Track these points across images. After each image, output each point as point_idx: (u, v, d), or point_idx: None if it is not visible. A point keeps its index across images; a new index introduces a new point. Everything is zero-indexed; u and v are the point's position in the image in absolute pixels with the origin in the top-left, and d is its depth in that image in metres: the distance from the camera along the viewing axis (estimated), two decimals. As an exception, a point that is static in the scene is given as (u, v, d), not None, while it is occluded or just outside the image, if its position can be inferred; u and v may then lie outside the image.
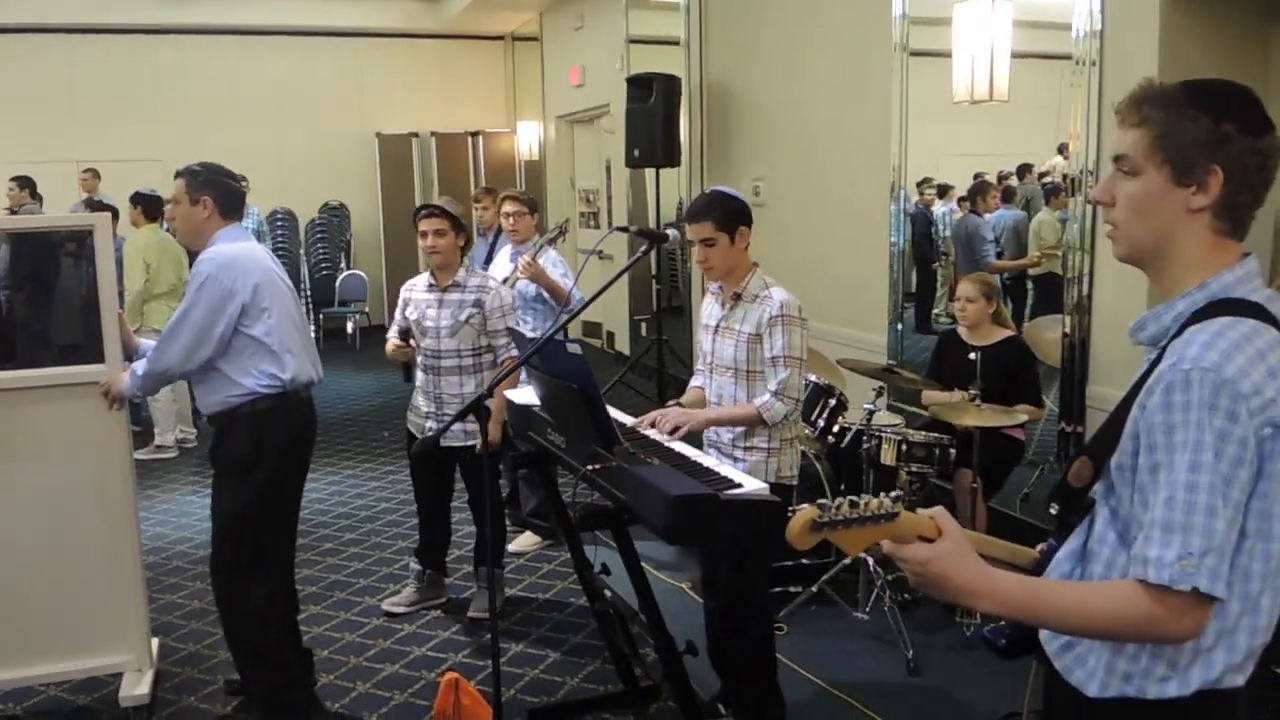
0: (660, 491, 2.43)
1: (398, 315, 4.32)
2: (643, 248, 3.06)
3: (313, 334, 4.50)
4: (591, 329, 11.11)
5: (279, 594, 3.55)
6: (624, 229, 3.68)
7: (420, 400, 4.26)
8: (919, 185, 6.73)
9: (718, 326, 3.26)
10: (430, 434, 2.81)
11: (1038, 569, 1.61)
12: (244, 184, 9.42)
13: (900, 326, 5.91)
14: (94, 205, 7.12)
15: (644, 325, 9.36)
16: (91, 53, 10.93)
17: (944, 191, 6.70)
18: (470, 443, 4.06)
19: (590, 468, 2.73)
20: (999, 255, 6.01)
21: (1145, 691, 1.45)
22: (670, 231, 3.13)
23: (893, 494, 1.36)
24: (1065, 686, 1.53)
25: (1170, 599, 1.34)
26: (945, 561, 1.38)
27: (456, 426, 3.77)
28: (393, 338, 4.24)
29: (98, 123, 10.85)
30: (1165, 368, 1.38)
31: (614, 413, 3.16)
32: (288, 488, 3.54)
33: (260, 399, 3.32)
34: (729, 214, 3.11)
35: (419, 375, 4.27)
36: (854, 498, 1.34)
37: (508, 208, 5.02)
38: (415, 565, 4.50)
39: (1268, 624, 1.45)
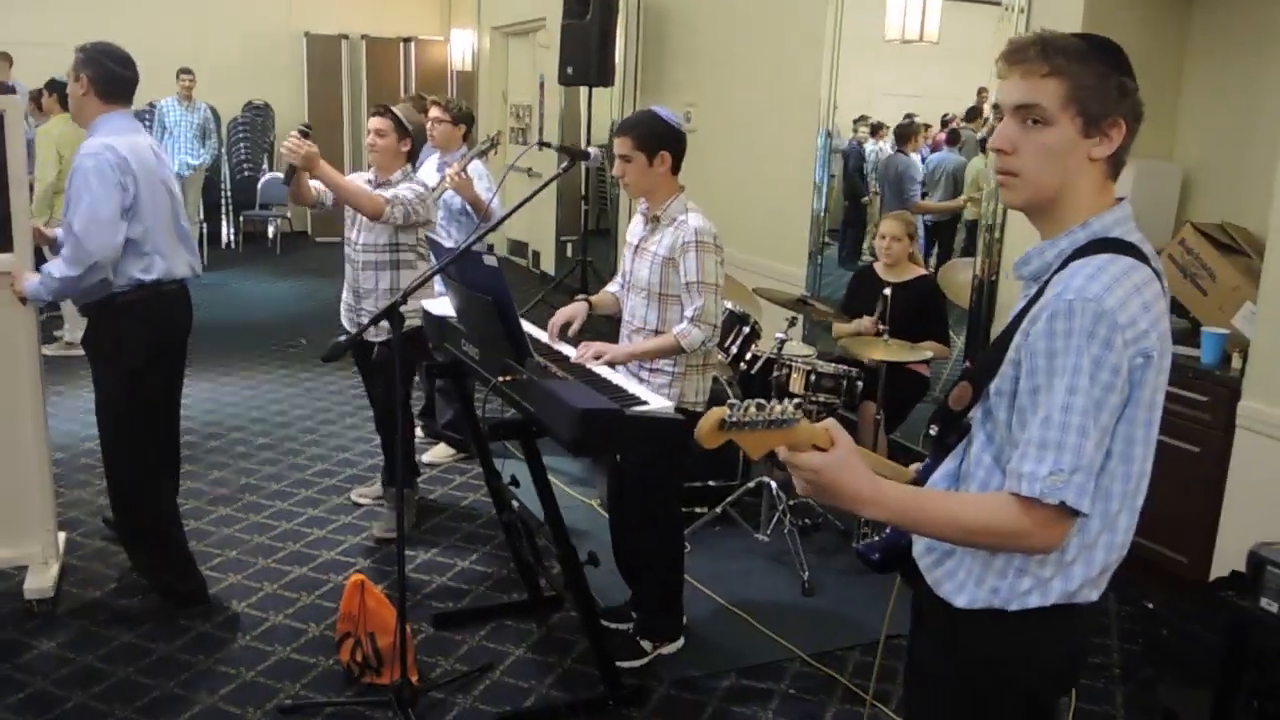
0: (566, 405, 2.49)
1: None
2: (564, 165, 3.07)
3: (195, 228, 4.57)
4: (518, 248, 11.08)
5: (160, 488, 3.66)
6: (545, 144, 3.64)
7: (346, 294, 4.27)
8: (854, 122, 6.81)
9: (637, 246, 3.31)
10: (343, 338, 2.81)
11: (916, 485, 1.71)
12: (187, 79, 9.18)
13: (820, 261, 6.02)
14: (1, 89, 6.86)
15: (570, 246, 9.37)
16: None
17: (876, 130, 6.79)
18: (382, 339, 4.02)
19: (501, 379, 2.78)
20: (924, 196, 6.14)
21: (1009, 603, 1.56)
22: (592, 150, 3.15)
23: (793, 402, 1.43)
24: (935, 600, 1.64)
25: (1039, 511, 1.44)
26: (837, 470, 1.47)
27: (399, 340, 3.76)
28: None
29: (11, 3, 10.37)
30: (1051, 297, 1.47)
31: (531, 329, 3.21)
32: (154, 380, 3.57)
33: (122, 293, 3.40)
34: (652, 135, 3.14)
35: (347, 269, 4.23)
36: (761, 400, 1.41)
37: (433, 113, 4.95)
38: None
39: (1123, 541, 1.57)
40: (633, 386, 2.75)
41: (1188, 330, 4.09)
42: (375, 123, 4.10)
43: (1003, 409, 1.55)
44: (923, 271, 4.73)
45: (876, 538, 1.81)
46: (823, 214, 5.95)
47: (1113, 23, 4.27)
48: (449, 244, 4.17)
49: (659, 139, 3.16)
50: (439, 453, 5.22)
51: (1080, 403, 1.43)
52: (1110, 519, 1.54)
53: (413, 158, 4.25)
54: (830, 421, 1.51)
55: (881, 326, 4.33)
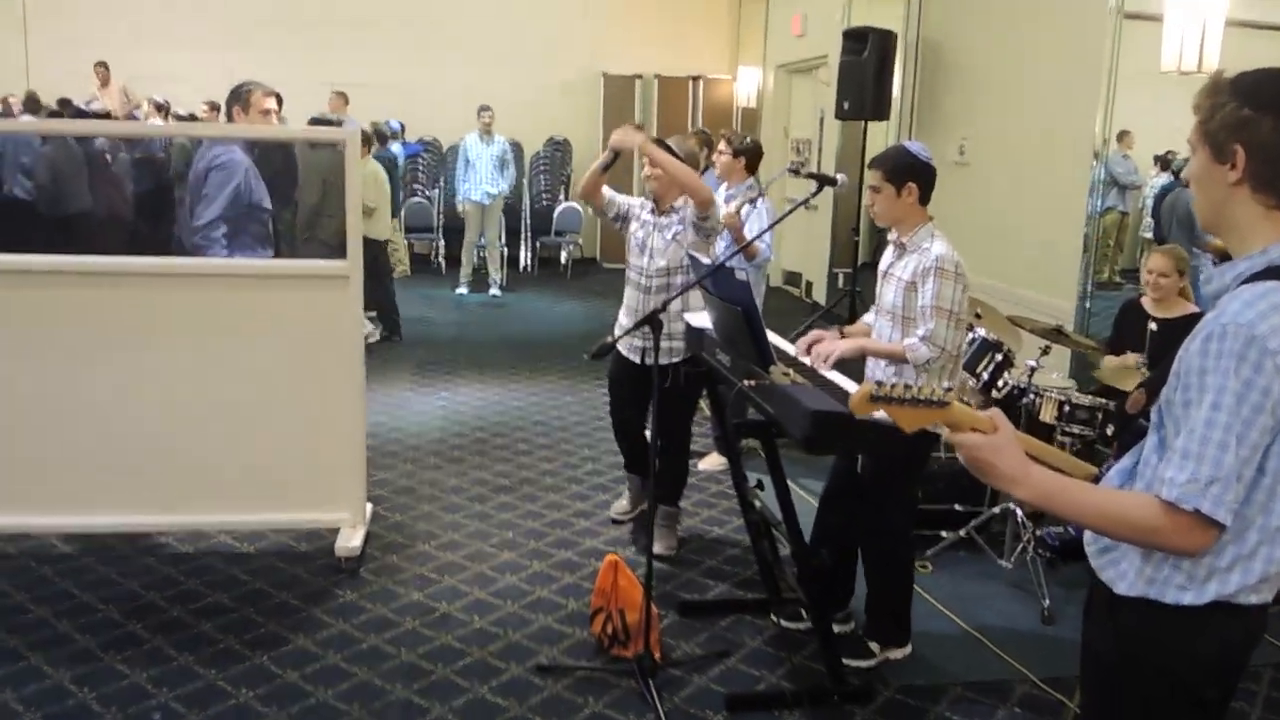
0: (802, 406, 2.73)
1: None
2: (813, 190, 3.31)
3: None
4: (792, 278, 11.34)
5: None
6: (795, 171, 3.89)
7: (625, 319, 4.46)
8: (1156, 159, 6.60)
9: (886, 272, 3.50)
10: (609, 341, 3.17)
11: (1094, 483, 1.84)
12: (487, 115, 10.14)
13: (1090, 299, 5.89)
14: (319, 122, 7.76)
15: (841, 277, 9.53)
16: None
17: (1167, 164, 6.56)
18: (669, 361, 4.13)
19: (746, 383, 3.06)
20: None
21: (1164, 596, 1.68)
22: (840, 176, 3.37)
23: (945, 385, 1.63)
24: (1100, 585, 1.78)
25: (1176, 516, 1.57)
26: (993, 451, 1.65)
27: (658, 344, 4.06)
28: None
29: (350, 49, 11.79)
30: (1209, 319, 1.60)
31: (778, 340, 3.47)
32: None
33: None
34: (899, 168, 3.33)
35: (628, 292, 4.45)
36: (909, 382, 1.62)
37: (720, 146, 5.27)
38: (628, 476, 4.86)
39: None
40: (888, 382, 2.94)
41: None
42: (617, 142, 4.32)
43: (1170, 416, 1.67)
44: (1194, 309, 4.59)
45: (1057, 528, 1.94)
46: (1094, 245, 5.84)
47: None
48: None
49: (907, 171, 3.35)
50: (712, 461, 5.57)
51: (1223, 419, 1.54)
52: (1270, 534, 1.62)
53: None
54: (995, 410, 1.69)
55: (1141, 361, 4.27)
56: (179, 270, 4.08)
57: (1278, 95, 1.61)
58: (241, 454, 4.09)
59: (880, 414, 1.68)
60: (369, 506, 4.50)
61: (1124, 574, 1.72)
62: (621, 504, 4.91)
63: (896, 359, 3.33)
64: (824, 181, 3.33)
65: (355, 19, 11.86)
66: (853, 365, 3.45)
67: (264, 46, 11.47)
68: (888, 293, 3.45)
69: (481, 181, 10.24)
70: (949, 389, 1.64)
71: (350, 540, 4.17)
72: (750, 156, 5.26)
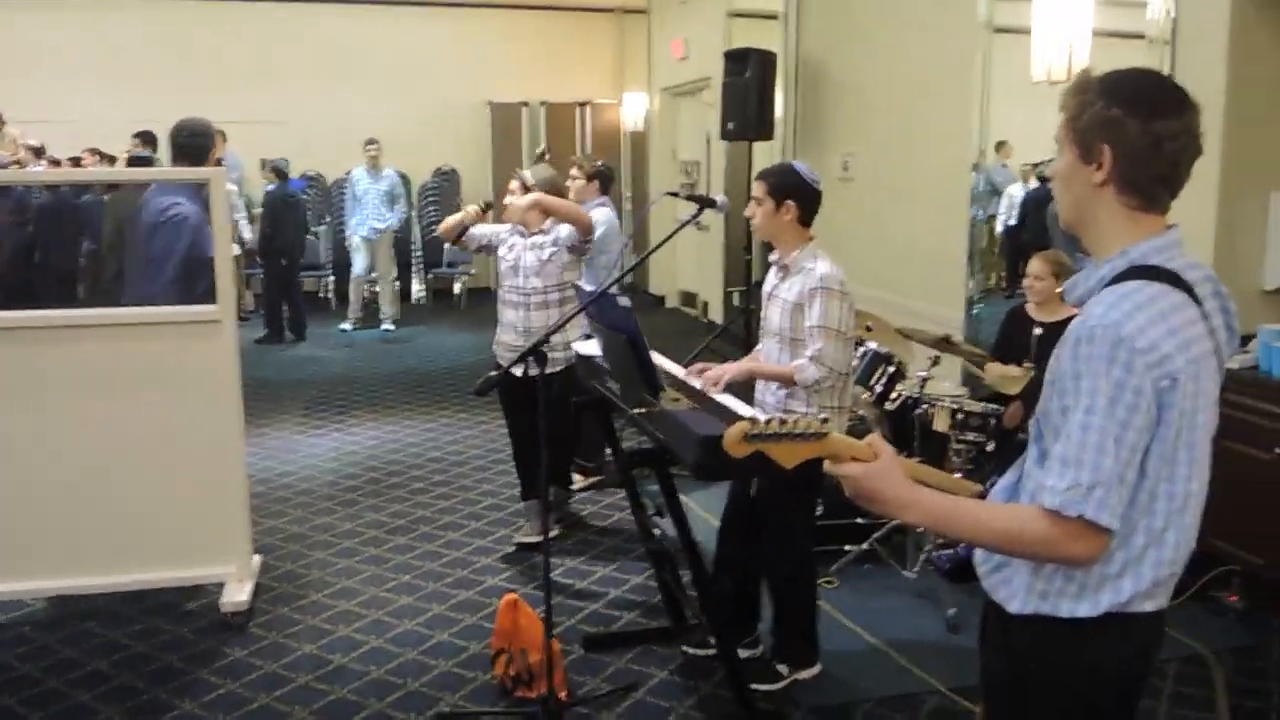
0: (692, 432, 2.68)
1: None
2: (692, 213, 3.28)
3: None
4: (688, 298, 11.37)
5: None
6: (674, 194, 3.88)
7: (507, 336, 4.70)
8: (1034, 166, 6.76)
9: (770, 294, 3.48)
10: (494, 376, 3.10)
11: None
12: (373, 148, 9.98)
13: (977, 306, 6.00)
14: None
15: (736, 296, 9.57)
16: (216, 21, 11.60)
17: (1042, 179, 6.72)
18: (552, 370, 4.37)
19: (637, 411, 3.00)
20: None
21: (1059, 609, 1.65)
22: (718, 197, 3.35)
23: (821, 417, 1.59)
24: (993, 605, 1.74)
25: (1063, 523, 1.54)
26: (876, 479, 1.61)
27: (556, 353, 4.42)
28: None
29: (227, 86, 11.48)
30: (1077, 323, 1.58)
31: (667, 364, 3.42)
32: None
33: None
34: (781, 185, 3.32)
35: (505, 312, 4.69)
36: (784, 416, 1.58)
37: (571, 171, 5.56)
38: (523, 503, 4.93)
39: (1174, 557, 1.63)
40: (756, 416, 2.91)
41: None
42: (513, 184, 4.65)
43: (1048, 426, 1.64)
44: (1076, 311, 4.68)
45: (948, 550, 1.92)
46: (975, 255, 5.95)
47: (1260, 52, 4.20)
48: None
49: (789, 190, 3.33)
50: (579, 481, 5.54)
51: (1099, 422, 1.51)
52: (1156, 535, 1.61)
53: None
54: (874, 437, 1.66)
55: (1029, 367, 4.33)
56: (39, 322, 3.86)
57: (1145, 96, 1.60)
58: (117, 511, 3.89)
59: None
60: (256, 558, 4.32)
61: (1015, 592, 1.69)
62: (531, 526, 4.85)
63: (786, 381, 3.30)
64: (704, 204, 3.31)
65: (235, 54, 11.57)
66: (743, 387, 3.42)
67: (140, 86, 11.13)
68: (774, 315, 3.43)
69: (368, 217, 10.06)
70: (825, 419, 1.59)
71: (236, 595, 3.99)
72: (602, 179, 5.62)
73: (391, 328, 10.32)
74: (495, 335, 4.81)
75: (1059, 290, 4.63)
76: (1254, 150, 4.24)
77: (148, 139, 8.46)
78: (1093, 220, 1.66)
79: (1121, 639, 1.66)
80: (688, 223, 3.21)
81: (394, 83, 12.07)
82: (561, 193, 4.85)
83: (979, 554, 1.78)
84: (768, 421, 1.58)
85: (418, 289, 12.09)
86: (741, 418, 2.91)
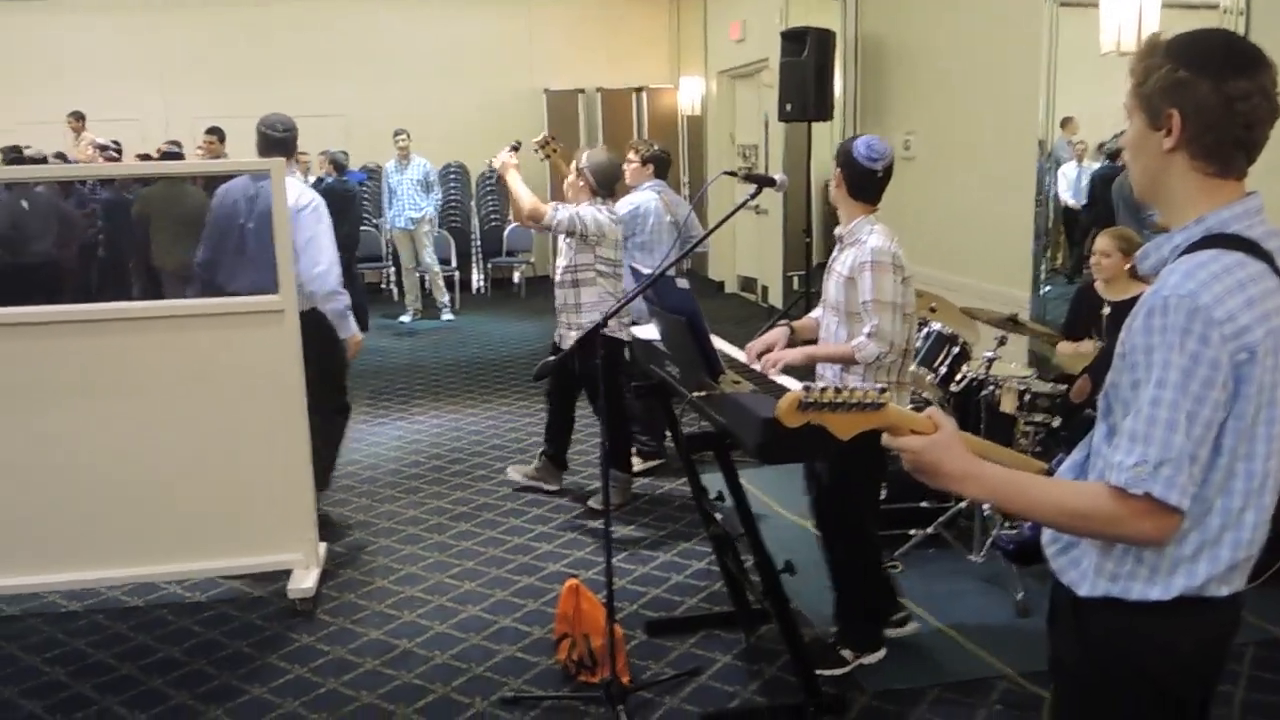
0: (753, 414, 2.64)
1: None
2: (752, 192, 3.24)
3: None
4: (747, 283, 11.29)
5: None
6: (730, 173, 3.79)
7: (558, 316, 5.02)
8: (1101, 146, 6.60)
9: (829, 266, 3.44)
10: (551, 360, 3.10)
11: (1046, 480, 1.76)
12: (402, 138, 10.01)
13: (1044, 286, 5.87)
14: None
15: (795, 280, 9.48)
16: (278, 16, 11.72)
17: (1116, 153, 6.55)
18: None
19: (697, 394, 2.97)
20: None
21: (1129, 592, 1.58)
22: (777, 176, 3.30)
23: (878, 386, 1.55)
24: (1062, 588, 1.69)
25: (1130, 501, 1.48)
26: (937, 451, 1.57)
27: (572, 333, 4.90)
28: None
29: (281, 80, 11.59)
30: (1149, 293, 1.51)
31: (725, 346, 3.39)
32: None
33: None
34: (838, 156, 3.32)
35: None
36: (839, 385, 1.54)
37: (628, 155, 5.70)
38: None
39: (1252, 538, 1.56)
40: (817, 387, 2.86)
41: None
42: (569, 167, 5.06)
43: (1117, 400, 1.58)
44: (1146, 288, 4.56)
45: (1013, 531, 1.87)
46: (1044, 233, 5.82)
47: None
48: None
49: (841, 161, 3.33)
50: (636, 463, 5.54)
51: (1171, 396, 1.45)
52: (1233, 516, 1.54)
53: (605, 193, 4.96)
54: (934, 409, 1.61)
55: (1099, 344, 4.22)
56: (105, 315, 3.92)
57: (1213, 55, 1.53)
58: (186, 501, 3.95)
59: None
60: (323, 545, 4.37)
61: (1085, 574, 1.63)
62: (528, 469, 5.34)
63: (846, 360, 3.26)
64: (763, 183, 3.25)
65: (289, 48, 11.70)
66: (805, 371, 3.37)
67: (197, 84, 11.34)
68: (829, 287, 3.40)
69: (405, 207, 10.15)
70: (883, 389, 1.55)
71: (303, 582, 4.03)
72: (657, 163, 5.66)
73: (451, 317, 10.39)
74: None
75: (1127, 267, 4.51)
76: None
77: (219, 135, 8.61)
78: (1165, 189, 1.60)
79: (1195, 624, 1.60)
80: (746, 202, 3.16)
81: (448, 73, 12.10)
82: (612, 177, 5.00)
83: (1047, 535, 1.72)
84: (823, 390, 1.53)
85: (477, 278, 12.16)
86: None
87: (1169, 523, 1.49)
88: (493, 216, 12.37)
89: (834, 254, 3.44)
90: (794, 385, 3.00)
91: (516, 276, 12.09)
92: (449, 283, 10.78)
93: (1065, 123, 5.93)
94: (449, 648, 3.73)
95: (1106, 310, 4.36)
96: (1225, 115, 1.51)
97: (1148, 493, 1.46)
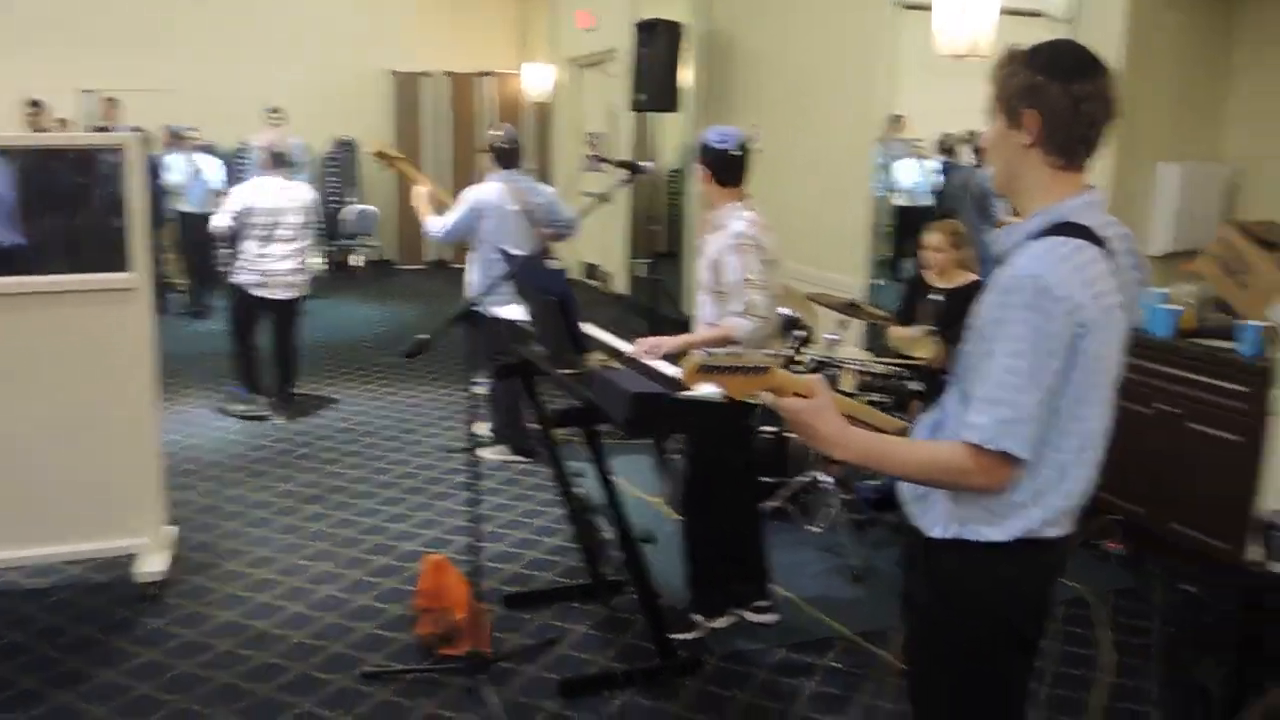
0: (621, 390, 2.77)
1: None
2: (622, 178, 3.36)
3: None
4: (591, 270, 11.42)
5: None
6: (604, 160, 3.90)
7: None
8: (913, 142, 6.98)
9: (700, 249, 3.61)
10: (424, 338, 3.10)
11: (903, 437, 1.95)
12: (276, 117, 9.66)
13: (876, 276, 6.19)
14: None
15: (641, 267, 9.67)
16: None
17: (950, 149, 6.96)
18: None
19: (564, 372, 3.07)
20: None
21: (975, 534, 1.80)
22: (648, 164, 3.43)
23: (768, 352, 1.70)
24: (916, 534, 1.88)
25: (983, 456, 1.68)
26: (812, 414, 1.73)
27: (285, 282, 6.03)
28: None
29: (117, 52, 11.09)
30: (1000, 273, 1.72)
31: (596, 331, 3.50)
32: None
33: None
34: (699, 150, 3.47)
35: None
36: (737, 351, 1.68)
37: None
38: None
39: (1078, 490, 1.79)
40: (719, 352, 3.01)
41: (1228, 325, 4.21)
42: None
43: (970, 368, 1.78)
44: (974, 277, 4.89)
45: (874, 481, 2.05)
46: (880, 226, 6.14)
47: (1155, 28, 4.43)
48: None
49: (701, 154, 3.49)
50: (493, 451, 5.60)
51: (1020, 364, 1.66)
52: (1064, 468, 1.76)
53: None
54: (816, 377, 1.77)
55: (929, 330, 4.52)
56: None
57: (1064, 62, 1.74)
58: (31, 483, 3.79)
59: (708, 387, 1.72)
60: (171, 529, 4.27)
61: (936, 519, 1.83)
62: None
63: (725, 341, 3.41)
64: (633, 169, 3.38)
65: (124, 17, 11.15)
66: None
67: (49, 55, 10.70)
68: (701, 269, 3.57)
69: None
70: (771, 354, 1.69)
71: (151, 565, 3.94)
72: (498, 154, 5.39)
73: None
74: None
75: (959, 259, 4.84)
76: (1145, 124, 4.49)
77: (40, 106, 8.21)
78: (1021, 181, 1.81)
79: (1032, 561, 1.81)
80: (619, 187, 3.27)
81: (294, 50, 11.76)
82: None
83: (903, 486, 1.90)
84: (721, 354, 1.68)
85: (317, 261, 11.87)
86: (669, 375, 3.01)
87: (1013, 474, 1.70)
88: (333, 198, 12.10)
89: (704, 237, 3.60)
90: (660, 364, 3.14)
91: (356, 259, 11.87)
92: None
93: (896, 120, 6.27)
94: (306, 627, 3.73)
95: (939, 297, 4.66)
96: (1073, 114, 1.73)
97: (1000, 448, 1.66)
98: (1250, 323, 4.01)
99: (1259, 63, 4.56)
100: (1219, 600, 3.28)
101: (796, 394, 1.74)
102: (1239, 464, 3.91)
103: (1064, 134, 1.75)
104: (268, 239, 6.04)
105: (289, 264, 6.13)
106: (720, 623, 3.70)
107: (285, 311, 6.29)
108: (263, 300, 6.13)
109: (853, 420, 1.79)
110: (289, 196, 6.14)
